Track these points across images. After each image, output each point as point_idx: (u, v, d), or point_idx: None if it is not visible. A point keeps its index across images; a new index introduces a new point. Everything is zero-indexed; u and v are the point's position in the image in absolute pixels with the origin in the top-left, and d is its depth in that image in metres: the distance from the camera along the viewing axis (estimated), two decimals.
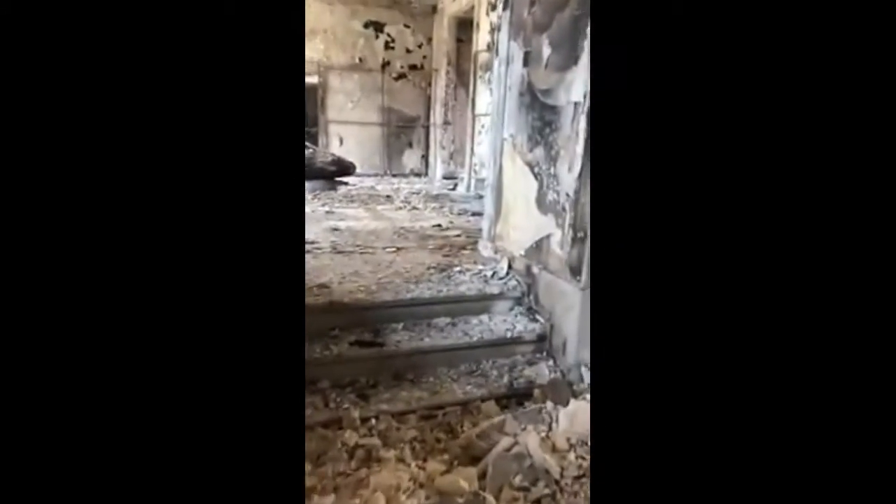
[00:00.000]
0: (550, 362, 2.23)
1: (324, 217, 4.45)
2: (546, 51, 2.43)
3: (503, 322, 2.39)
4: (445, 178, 7.66)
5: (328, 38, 7.71)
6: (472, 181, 6.66)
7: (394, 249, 3.23)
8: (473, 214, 4.82)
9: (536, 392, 2.00)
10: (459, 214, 4.87)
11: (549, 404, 1.88)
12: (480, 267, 2.80)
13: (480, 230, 3.24)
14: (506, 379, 2.09)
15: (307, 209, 4.80)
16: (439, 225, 4.22)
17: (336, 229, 3.84)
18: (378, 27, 7.91)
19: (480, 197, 5.77)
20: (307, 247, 3.18)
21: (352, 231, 3.81)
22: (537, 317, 2.39)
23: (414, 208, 5.25)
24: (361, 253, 3.12)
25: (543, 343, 2.30)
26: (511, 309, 2.48)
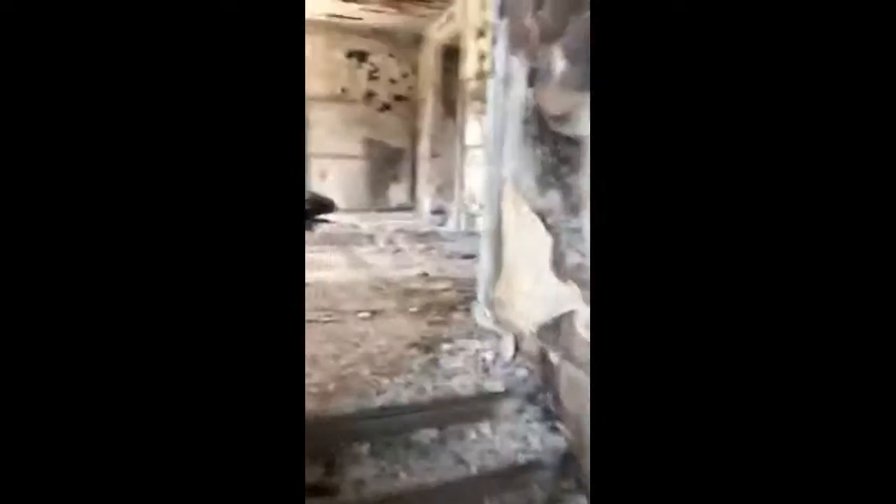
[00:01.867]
0: (583, 500, 1.51)
1: None
2: (559, 65, 1.79)
3: (511, 435, 1.67)
4: (434, 212, 7.02)
5: (309, 68, 7.13)
6: (463, 217, 6.02)
7: (367, 315, 2.52)
8: (465, 257, 4.14)
9: None
10: (449, 257, 4.19)
11: None
12: (477, 345, 2.09)
13: (474, 281, 2.55)
14: None
15: None
16: (426, 274, 3.53)
17: None
18: (361, 57, 7.37)
19: (471, 234, 5.11)
20: None
21: (321, 286, 3.10)
22: (558, 425, 1.68)
23: (398, 250, 4.57)
24: (326, 321, 2.41)
25: (570, 466, 1.59)
26: (520, 411, 1.77)
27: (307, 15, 6.69)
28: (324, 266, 3.78)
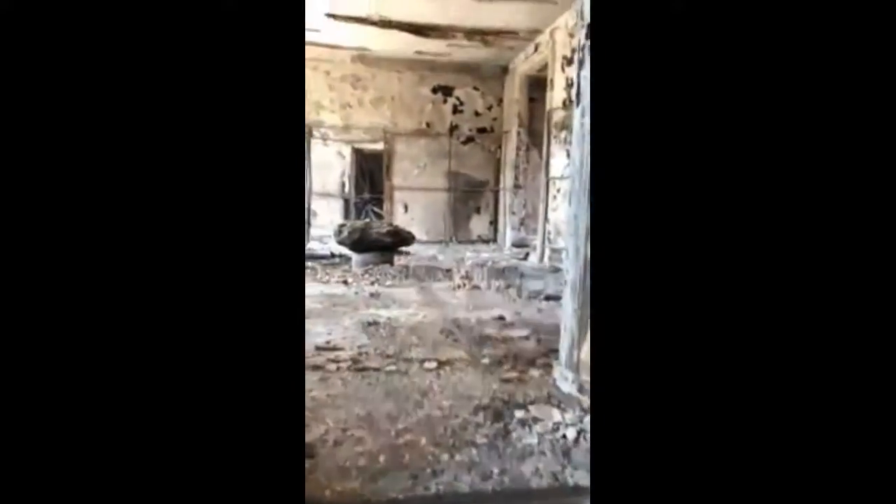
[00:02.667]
0: None
1: (366, 302, 3.62)
2: None
3: None
4: (515, 245, 6.71)
5: (395, 104, 7.28)
6: (546, 251, 5.66)
7: (434, 366, 2.28)
8: (547, 298, 3.79)
9: None
10: (529, 298, 3.86)
11: None
12: (556, 416, 1.75)
13: (556, 329, 2.21)
14: None
15: (349, 290, 4.03)
16: (502, 317, 3.23)
17: (373, 323, 2.97)
18: (446, 91, 7.39)
19: (556, 270, 4.73)
20: (318, 358, 2.32)
21: (391, 327, 2.93)
22: None
23: (475, 287, 4.32)
24: (390, 372, 2.20)
25: None
26: None
27: (396, 53, 6.85)
28: (397, 303, 3.62)
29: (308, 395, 1.91)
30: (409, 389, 2.00)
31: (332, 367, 2.22)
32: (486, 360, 2.37)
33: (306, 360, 2.31)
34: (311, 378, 2.07)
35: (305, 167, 7.05)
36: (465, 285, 4.32)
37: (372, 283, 4.33)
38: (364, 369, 2.21)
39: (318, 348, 2.47)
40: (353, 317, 3.15)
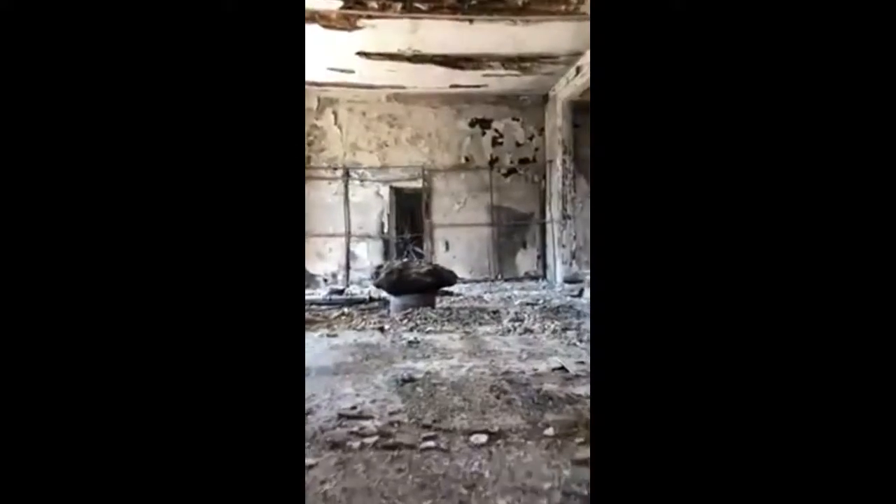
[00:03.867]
0: None
1: (403, 352, 3.16)
2: None
3: None
4: (567, 281, 6.12)
5: (433, 140, 7.03)
6: None
7: (484, 439, 1.76)
8: None
9: None
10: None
11: None
12: None
13: None
14: None
15: (385, 339, 3.58)
16: (563, 368, 2.68)
17: (409, 380, 2.50)
18: (484, 124, 7.08)
19: None
20: (341, 431, 1.86)
21: (430, 384, 2.44)
22: None
23: (527, 330, 3.77)
24: (427, 450, 1.70)
25: None
26: None
27: (431, 89, 6.64)
28: (438, 352, 3.14)
29: (319, 489, 1.44)
30: (450, 478, 1.49)
31: (356, 443, 1.74)
32: (550, 431, 1.83)
33: (326, 432, 1.85)
34: (327, 462, 1.61)
35: (344, 207, 6.84)
36: (515, 329, 3.79)
37: (411, 330, 3.88)
38: (394, 447, 1.72)
39: (341, 416, 2.01)
40: (387, 372, 2.69)
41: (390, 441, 1.76)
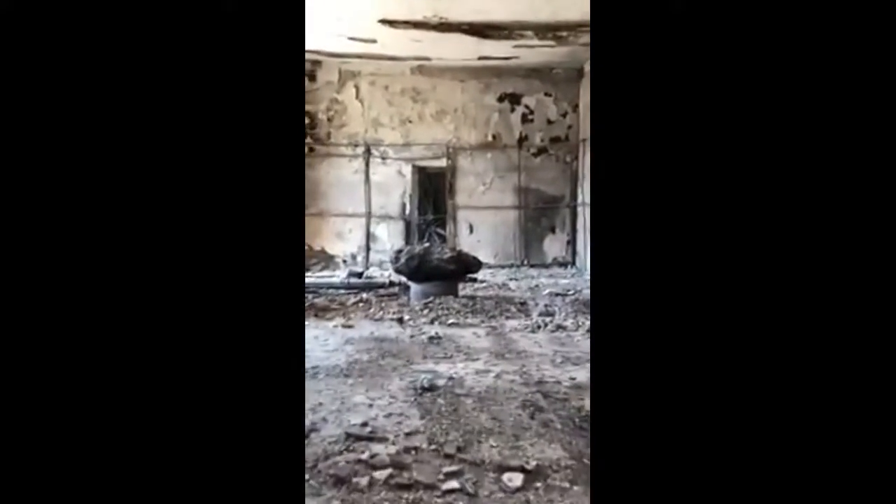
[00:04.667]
0: None
1: (423, 350, 2.85)
2: None
3: None
4: None
5: (458, 117, 6.60)
6: None
7: (520, 480, 1.43)
8: None
9: None
10: None
11: None
12: None
13: None
14: None
15: (404, 332, 3.28)
16: None
17: (430, 388, 2.18)
18: (514, 99, 6.60)
19: None
20: (347, 457, 1.55)
21: (454, 395, 2.12)
22: None
23: (559, 327, 3.42)
24: (450, 490, 1.38)
25: None
26: None
27: (458, 61, 6.19)
28: (462, 352, 2.82)
29: None
30: None
31: (364, 479, 1.44)
32: None
33: (330, 459, 1.56)
34: None
35: (364, 186, 6.52)
36: (546, 325, 3.44)
37: (432, 321, 3.57)
38: (409, 486, 1.41)
39: (349, 437, 1.71)
40: (404, 375, 2.38)
41: (405, 477, 1.45)
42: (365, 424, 1.82)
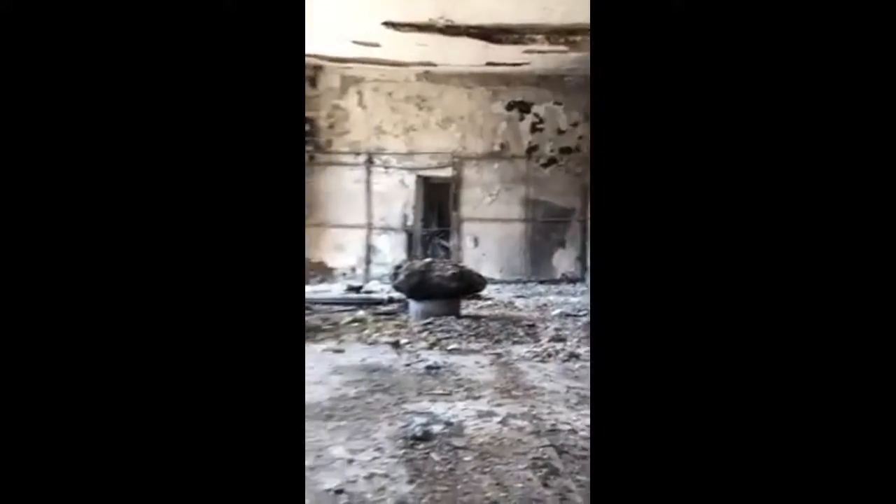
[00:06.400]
0: None
1: (419, 383, 2.50)
2: None
3: None
4: None
5: (465, 125, 6.30)
6: None
7: None
8: None
9: None
10: None
11: None
12: None
13: None
14: None
15: (399, 359, 2.93)
16: None
17: (423, 438, 1.83)
18: (523, 108, 6.30)
19: None
20: None
21: (451, 448, 1.77)
22: None
23: (572, 356, 3.06)
24: None
25: None
26: None
27: (465, 67, 5.90)
28: (463, 387, 2.46)
29: None
30: None
31: None
32: None
33: None
34: None
35: (365, 197, 6.22)
36: (557, 354, 3.07)
37: (431, 346, 3.22)
38: None
39: None
40: (394, 418, 2.03)
41: None
42: (340, 492, 1.47)
